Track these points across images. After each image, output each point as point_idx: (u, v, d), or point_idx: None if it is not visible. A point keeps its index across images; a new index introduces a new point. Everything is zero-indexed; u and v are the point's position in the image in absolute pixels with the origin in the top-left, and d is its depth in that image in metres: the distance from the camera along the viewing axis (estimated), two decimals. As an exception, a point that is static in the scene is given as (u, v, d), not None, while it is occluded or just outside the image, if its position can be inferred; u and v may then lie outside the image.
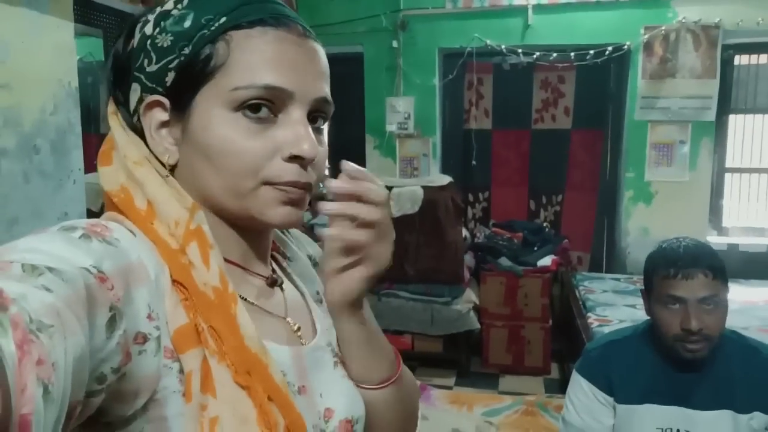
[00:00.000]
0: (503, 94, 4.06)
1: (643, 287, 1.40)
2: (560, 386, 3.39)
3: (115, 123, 0.59)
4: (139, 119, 0.58)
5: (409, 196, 3.37)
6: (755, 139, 3.95)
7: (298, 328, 0.63)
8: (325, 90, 0.59)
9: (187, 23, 0.55)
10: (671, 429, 1.34)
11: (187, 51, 0.54)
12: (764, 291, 3.38)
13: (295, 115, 0.56)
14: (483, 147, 4.08)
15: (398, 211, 3.42)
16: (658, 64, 3.75)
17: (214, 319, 0.52)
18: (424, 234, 3.38)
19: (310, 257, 0.72)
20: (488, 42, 3.79)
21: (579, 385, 1.42)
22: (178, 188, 0.56)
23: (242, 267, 0.61)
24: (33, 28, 1.61)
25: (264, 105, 0.55)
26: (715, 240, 3.81)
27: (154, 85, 0.56)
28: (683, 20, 3.66)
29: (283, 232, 0.71)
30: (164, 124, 0.57)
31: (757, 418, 1.29)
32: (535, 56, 3.77)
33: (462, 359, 3.59)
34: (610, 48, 3.70)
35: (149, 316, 0.48)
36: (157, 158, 0.57)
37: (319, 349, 0.63)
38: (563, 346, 3.63)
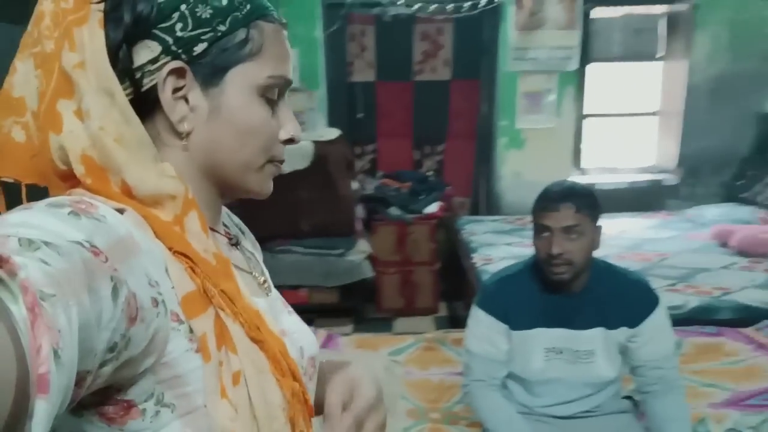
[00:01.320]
0: (385, 46, 4.11)
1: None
2: (449, 322, 3.67)
3: (84, 82, 0.53)
4: (142, 77, 0.56)
5: (299, 152, 3.36)
6: (610, 87, 4.36)
7: (264, 281, 0.70)
8: None
9: (224, 1, 0.57)
10: (556, 348, 1.56)
11: (222, 28, 0.57)
12: (619, 222, 3.83)
13: (285, 102, 0.64)
14: (368, 99, 4.14)
15: (289, 166, 3.42)
16: (528, 16, 3.98)
17: (222, 283, 0.57)
18: (316, 189, 3.41)
19: (237, 225, 0.78)
20: (368, -8, 3.79)
21: (477, 317, 1.61)
22: (160, 163, 0.56)
23: (212, 229, 0.65)
24: None
25: (276, 92, 0.62)
26: (576, 179, 4.23)
27: (179, 51, 0.56)
28: (548, -26, 3.90)
29: None
30: (176, 91, 0.57)
31: (623, 331, 1.54)
32: (414, 8, 3.84)
33: (358, 307, 3.74)
34: (483, 0, 3.87)
35: (150, 284, 0.49)
36: (168, 124, 0.58)
37: (277, 299, 0.70)
38: (449, 286, 3.90)
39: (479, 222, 3.96)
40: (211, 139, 0.59)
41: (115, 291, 0.43)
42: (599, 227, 1.54)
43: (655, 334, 1.54)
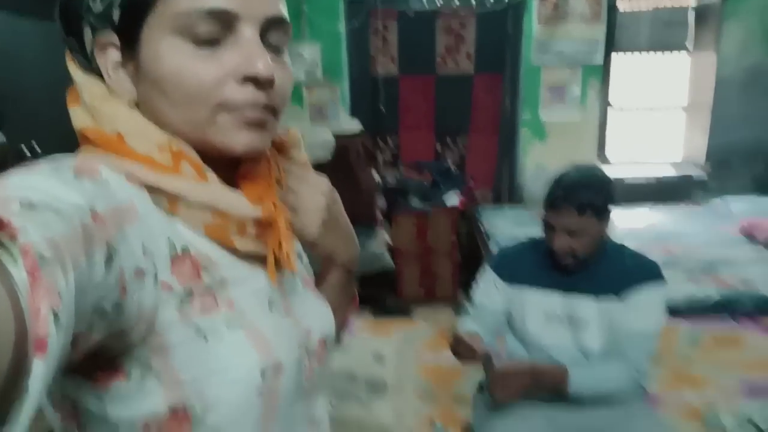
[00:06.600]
0: (408, 41, 4.14)
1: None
2: (468, 313, 3.69)
3: (72, 67, 0.58)
4: (96, 62, 0.57)
5: (320, 144, 3.44)
6: (634, 80, 4.31)
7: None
8: (278, 7, 0.57)
9: None
10: (553, 312, 1.63)
11: None
12: (644, 214, 3.80)
13: (246, 34, 0.54)
14: (390, 93, 4.18)
15: (311, 159, 3.49)
16: (552, 9, 3.97)
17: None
18: (338, 180, 3.37)
19: None
20: (392, -12, 3.84)
21: (486, 272, 1.75)
22: (146, 120, 0.57)
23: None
24: None
25: (211, 28, 0.53)
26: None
27: (103, 26, 0.55)
28: (573, -33, 3.88)
29: None
30: (120, 64, 0.57)
31: (612, 300, 1.56)
32: (439, 4, 3.88)
33: (378, 296, 3.79)
34: (507, -5, 3.87)
35: (143, 252, 0.50)
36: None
37: (295, 277, 0.69)
38: (469, 275, 3.91)
39: (500, 212, 3.97)
40: (149, 105, 0.56)
41: (109, 258, 0.44)
42: (609, 219, 1.54)
43: (641, 306, 1.51)
